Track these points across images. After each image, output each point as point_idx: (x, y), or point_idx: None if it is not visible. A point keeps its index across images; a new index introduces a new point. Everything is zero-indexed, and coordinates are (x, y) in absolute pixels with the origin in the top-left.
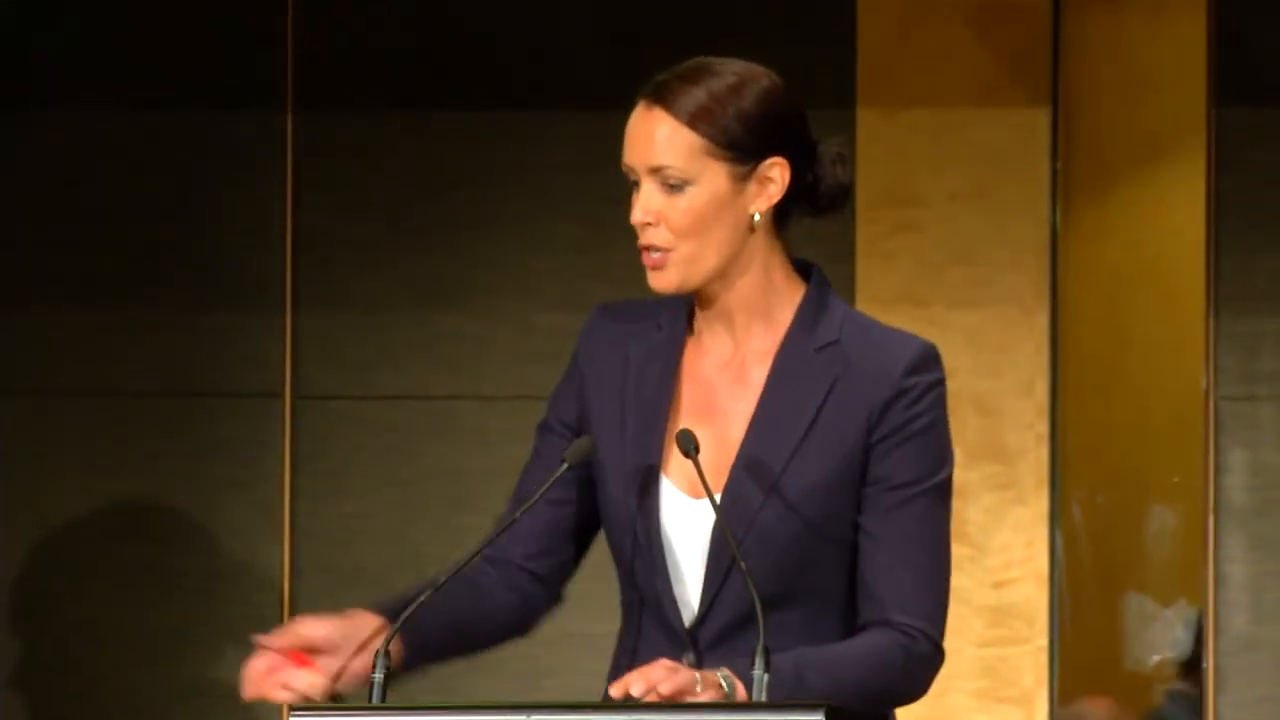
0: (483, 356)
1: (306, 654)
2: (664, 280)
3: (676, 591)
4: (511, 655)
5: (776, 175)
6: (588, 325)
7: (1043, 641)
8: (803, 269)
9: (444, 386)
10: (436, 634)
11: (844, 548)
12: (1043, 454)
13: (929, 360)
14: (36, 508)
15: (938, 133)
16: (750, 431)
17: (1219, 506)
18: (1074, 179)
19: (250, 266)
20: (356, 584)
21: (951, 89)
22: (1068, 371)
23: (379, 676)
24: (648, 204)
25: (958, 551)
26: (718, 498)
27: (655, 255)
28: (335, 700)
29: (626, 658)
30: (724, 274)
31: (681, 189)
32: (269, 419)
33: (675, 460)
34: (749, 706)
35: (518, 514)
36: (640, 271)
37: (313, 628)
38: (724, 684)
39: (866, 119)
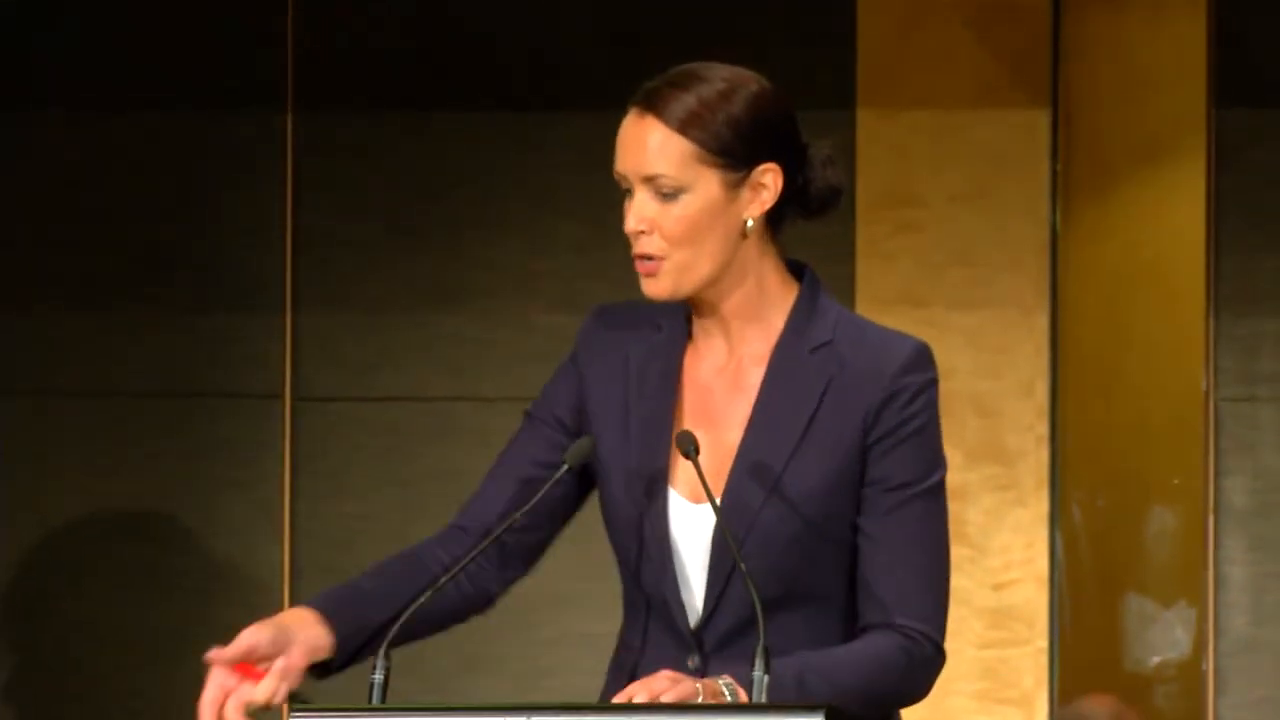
0: (483, 357)
1: (254, 664)
2: (657, 287)
3: (682, 595)
4: (511, 655)
5: (769, 181)
6: (586, 326)
7: (1043, 643)
8: (795, 270)
9: (444, 387)
10: (385, 621)
11: (844, 548)
12: (1043, 455)
13: (923, 360)
14: (36, 508)
15: (938, 133)
16: (748, 434)
17: (1219, 508)
18: (1074, 179)
19: (250, 266)
20: None
21: (951, 90)
22: (1068, 372)
23: (379, 677)
24: (641, 212)
25: (958, 553)
26: (718, 501)
27: (649, 263)
28: (294, 700)
29: (631, 655)
30: (718, 280)
31: (675, 197)
32: (269, 420)
33: (677, 464)
34: (749, 708)
35: (517, 514)
36: None
37: (255, 635)
38: (726, 692)
39: (866, 119)
